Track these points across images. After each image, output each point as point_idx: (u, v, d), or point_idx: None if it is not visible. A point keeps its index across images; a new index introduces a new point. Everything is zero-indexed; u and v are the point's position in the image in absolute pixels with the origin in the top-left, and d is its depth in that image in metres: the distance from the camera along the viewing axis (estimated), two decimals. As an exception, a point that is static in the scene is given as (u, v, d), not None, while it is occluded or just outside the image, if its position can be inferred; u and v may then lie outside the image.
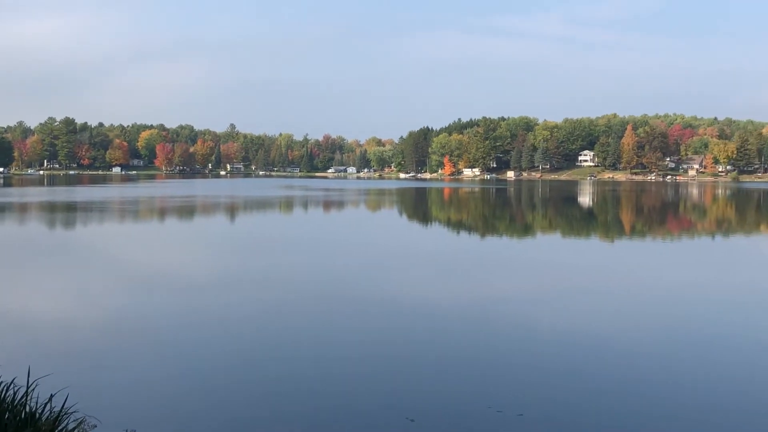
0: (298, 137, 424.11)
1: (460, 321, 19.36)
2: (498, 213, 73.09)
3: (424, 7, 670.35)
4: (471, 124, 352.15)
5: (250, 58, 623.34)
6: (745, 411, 12.54)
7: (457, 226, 55.15)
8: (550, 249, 39.62)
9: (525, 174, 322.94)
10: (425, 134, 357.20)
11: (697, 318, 20.22)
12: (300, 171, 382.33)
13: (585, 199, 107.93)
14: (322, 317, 19.59)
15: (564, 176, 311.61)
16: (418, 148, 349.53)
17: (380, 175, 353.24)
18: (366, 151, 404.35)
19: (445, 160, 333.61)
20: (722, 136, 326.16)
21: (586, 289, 24.80)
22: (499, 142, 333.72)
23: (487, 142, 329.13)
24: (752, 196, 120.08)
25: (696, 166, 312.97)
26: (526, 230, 52.22)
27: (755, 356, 16.11)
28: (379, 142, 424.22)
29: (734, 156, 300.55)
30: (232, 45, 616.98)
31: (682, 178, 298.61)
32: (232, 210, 70.33)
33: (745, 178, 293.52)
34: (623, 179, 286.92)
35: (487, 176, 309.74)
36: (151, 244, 39.45)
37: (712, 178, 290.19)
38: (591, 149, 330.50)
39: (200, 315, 19.51)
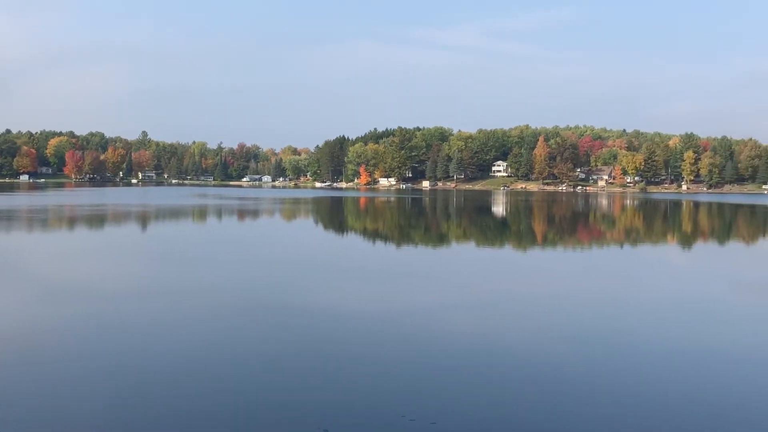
0: (212, 145, 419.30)
1: (372, 328, 19.23)
2: (414, 222, 73.43)
3: (342, 16, 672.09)
4: (387, 133, 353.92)
5: (163, 65, 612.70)
6: (662, 411, 12.73)
7: (374, 235, 55.13)
8: (464, 258, 39.87)
9: (440, 184, 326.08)
10: (341, 143, 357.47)
11: (609, 322, 20.54)
12: (214, 179, 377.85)
13: (499, 209, 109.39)
14: (228, 327, 19.20)
15: (478, 186, 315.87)
16: (334, 157, 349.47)
17: (296, 184, 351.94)
18: (281, 159, 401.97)
19: (361, 169, 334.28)
20: (630, 147, 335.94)
21: (497, 297, 24.99)
22: (415, 152, 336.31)
23: (403, 152, 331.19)
24: (659, 207, 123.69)
25: (605, 177, 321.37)
26: (442, 240, 52.54)
27: (665, 357, 16.42)
28: (295, 151, 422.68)
29: (642, 167, 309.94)
30: (145, 51, 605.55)
31: (592, 188, 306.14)
32: (143, 219, 68.81)
33: (652, 189, 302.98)
34: (536, 189, 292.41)
35: (403, 186, 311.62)
36: (59, 254, 38.16)
37: (620, 189, 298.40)
38: (504, 160, 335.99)
39: (102, 325, 18.89)
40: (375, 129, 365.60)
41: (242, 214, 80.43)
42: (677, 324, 20.93)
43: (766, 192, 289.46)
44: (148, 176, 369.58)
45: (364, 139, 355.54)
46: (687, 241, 53.19)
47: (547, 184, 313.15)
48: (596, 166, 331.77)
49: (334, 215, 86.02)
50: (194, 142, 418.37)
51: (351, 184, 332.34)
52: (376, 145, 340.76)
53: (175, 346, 17.26)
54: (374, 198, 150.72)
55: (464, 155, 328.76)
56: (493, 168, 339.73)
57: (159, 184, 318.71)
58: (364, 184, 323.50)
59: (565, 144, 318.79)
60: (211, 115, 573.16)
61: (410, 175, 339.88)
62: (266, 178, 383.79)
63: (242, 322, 19.99)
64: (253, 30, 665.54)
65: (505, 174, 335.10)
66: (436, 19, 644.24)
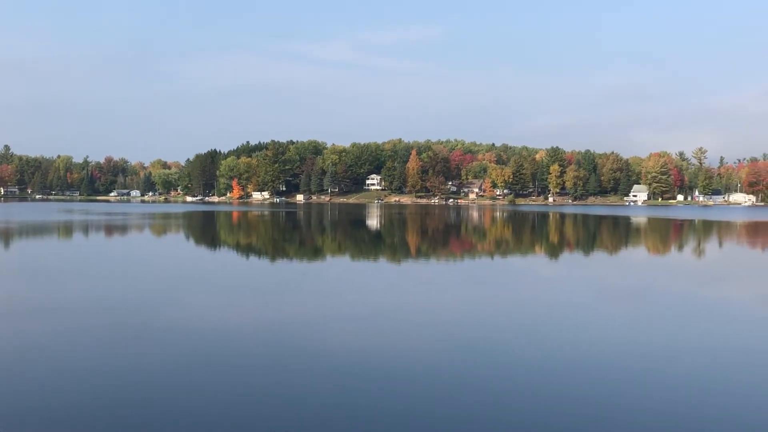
0: (78, 159, 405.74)
1: (246, 342, 18.79)
2: (288, 236, 72.83)
3: (214, 29, 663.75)
4: (260, 147, 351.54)
5: (24, 78, 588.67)
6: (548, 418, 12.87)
7: (247, 250, 54.25)
8: (339, 271, 39.70)
9: (314, 197, 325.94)
10: (213, 157, 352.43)
11: (482, 331, 20.74)
12: (80, 194, 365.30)
13: (373, 221, 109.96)
14: (92, 345, 18.37)
15: (352, 199, 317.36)
16: (206, 170, 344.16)
17: (166, 199, 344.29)
18: (151, 173, 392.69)
19: (234, 183, 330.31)
20: (500, 161, 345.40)
21: (373, 309, 24.90)
22: (289, 166, 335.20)
23: (277, 165, 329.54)
24: (527, 219, 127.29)
25: (476, 190, 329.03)
26: (316, 253, 52.23)
27: (545, 362, 16.69)
28: (165, 165, 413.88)
29: (510, 180, 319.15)
30: (6, 63, 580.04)
31: (463, 201, 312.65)
32: (4, 236, 65.52)
33: (520, 201, 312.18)
34: (409, 202, 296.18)
35: (277, 200, 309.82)
36: None
37: (490, 201, 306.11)
38: (378, 173, 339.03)
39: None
40: (248, 142, 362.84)
41: (109, 230, 77.68)
42: (550, 331, 21.35)
43: (627, 203, 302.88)
44: (11, 192, 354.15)
45: (237, 153, 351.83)
46: (554, 252, 54.76)
47: (420, 196, 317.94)
48: (467, 179, 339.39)
49: (206, 230, 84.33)
50: (59, 156, 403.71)
51: (223, 198, 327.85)
52: (249, 159, 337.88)
53: (43, 366, 16.32)
54: (247, 212, 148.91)
55: (338, 169, 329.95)
56: (368, 181, 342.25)
57: (22, 199, 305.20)
58: (237, 198, 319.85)
59: (437, 158, 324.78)
60: (77, 129, 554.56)
61: (284, 188, 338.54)
62: (135, 193, 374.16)
63: (103, 340, 19.13)
64: (123, 42, 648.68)
65: (379, 187, 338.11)
66: (309, 32, 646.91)
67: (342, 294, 29.31)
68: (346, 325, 22.48)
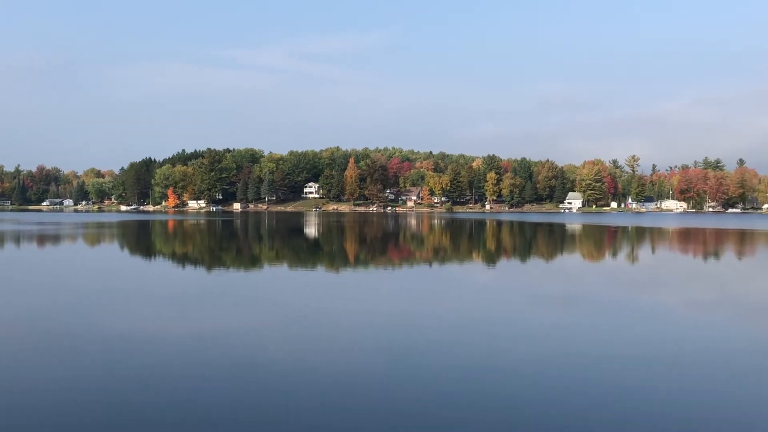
0: (9, 168, 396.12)
1: (183, 352, 18.40)
2: (225, 245, 72.00)
3: (149, 36, 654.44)
4: (196, 155, 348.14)
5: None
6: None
7: (183, 259, 53.41)
8: (277, 279, 39.31)
9: (251, 206, 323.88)
10: (148, 165, 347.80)
11: (419, 336, 20.67)
12: (11, 204, 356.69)
13: (311, 230, 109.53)
14: (20, 356, 17.79)
15: (290, 208, 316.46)
16: (141, 179, 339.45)
17: (99, 208, 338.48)
18: (84, 182, 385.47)
19: (169, 192, 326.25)
20: (437, 169, 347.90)
21: (310, 317, 24.64)
22: (225, 174, 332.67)
23: (213, 173, 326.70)
24: (464, 226, 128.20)
25: (414, 198, 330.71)
26: (254, 262, 51.67)
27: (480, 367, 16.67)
28: (99, 174, 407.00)
29: (448, 188, 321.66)
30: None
31: (401, 209, 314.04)
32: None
33: (458, 208, 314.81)
34: (347, 210, 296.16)
35: (213, 208, 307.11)
36: None
37: (428, 209, 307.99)
38: (316, 181, 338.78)
39: None
40: (183, 150, 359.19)
41: (41, 240, 75.77)
42: (486, 337, 21.37)
43: (563, 211, 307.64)
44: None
45: (172, 161, 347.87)
46: (491, 259, 55.13)
47: (359, 205, 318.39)
48: (405, 187, 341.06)
49: (140, 240, 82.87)
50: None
51: (158, 207, 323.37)
52: (185, 167, 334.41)
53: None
54: (183, 221, 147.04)
55: (276, 177, 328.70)
56: (305, 189, 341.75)
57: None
58: (173, 207, 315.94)
59: (375, 165, 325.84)
60: (8, 137, 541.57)
61: (221, 197, 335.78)
62: (68, 202, 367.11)
63: (37, 350, 18.52)
64: (54, 50, 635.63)
65: (317, 195, 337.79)
66: (247, 39, 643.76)
67: (278, 302, 28.97)
68: (283, 332, 22.18)
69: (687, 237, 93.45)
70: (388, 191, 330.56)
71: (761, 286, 38.56)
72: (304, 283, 37.56)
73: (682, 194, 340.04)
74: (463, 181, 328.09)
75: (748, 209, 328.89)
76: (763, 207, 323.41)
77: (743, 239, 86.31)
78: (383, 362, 18.29)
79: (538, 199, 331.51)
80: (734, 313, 27.51)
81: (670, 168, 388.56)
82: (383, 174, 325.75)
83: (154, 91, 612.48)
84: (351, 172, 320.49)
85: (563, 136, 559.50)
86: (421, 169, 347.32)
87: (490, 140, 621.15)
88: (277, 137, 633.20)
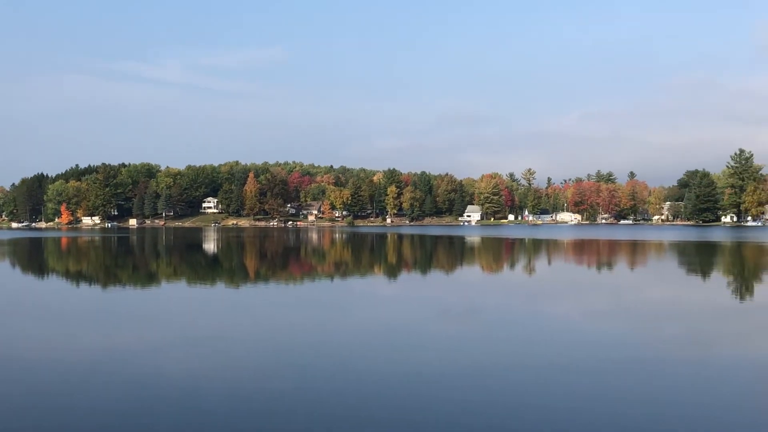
0: None
1: (71, 370, 17.70)
2: (120, 262, 70.04)
3: (43, 48, 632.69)
4: (90, 170, 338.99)
5: None
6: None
7: (77, 277, 51.66)
8: (174, 297, 38.40)
9: (148, 222, 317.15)
10: (40, 181, 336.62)
11: (320, 355, 20.46)
12: None
13: (210, 245, 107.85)
14: None
15: (188, 223, 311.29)
16: (33, 195, 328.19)
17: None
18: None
19: (63, 208, 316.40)
20: (338, 183, 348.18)
21: (209, 334, 24.12)
22: (121, 189, 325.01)
23: (108, 189, 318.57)
24: (366, 240, 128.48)
25: (315, 212, 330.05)
26: (150, 279, 50.40)
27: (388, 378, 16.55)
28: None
29: (349, 202, 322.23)
30: None
31: (302, 223, 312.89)
32: None
33: (359, 222, 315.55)
34: (247, 225, 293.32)
35: (108, 224, 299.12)
36: None
37: (330, 223, 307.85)
38: (215, 196, 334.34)
39: None
40: (77, 165, 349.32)
41: None
42: (387, 350, 21.31)
43: (462, 223, 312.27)
44: None
45: (66, 177, 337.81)
46: (393, 272, 55.30)
47: (259, 219, 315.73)
48: (306, 201, 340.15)
49: (32, 257, 79.89)
50: None
51: (51, 224, 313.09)
52: (79, 183, 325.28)
53: None
54: (77, 238, 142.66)
55: (173, 192, 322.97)
56: (204, 204, 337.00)
57: None
58: (66, 224, 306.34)
59: (276, 180, 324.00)
60: None
61: (116, 213, 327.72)
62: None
63: None
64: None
65: (216, 210, 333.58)
66: (143, 53, 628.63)
67: (175, 320, 28.28)
68: (181, 351, 21.62)
69: (581, 248, 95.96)
70: (289, 206, 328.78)
71: (652, 295, 39.81)
72: (203, 299, 36.82)
73: (577, 206, 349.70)
74: (364, 195, 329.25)
75: (639, 220, 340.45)
76: (653, 218, 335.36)
77: (634, 250, 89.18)
78: (290, 378, 18.00)
79: (438, 212, 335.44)
80: (628, 321, 28.23)
81: (565, 181, 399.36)
82: (284, 188, 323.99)
83: (46, 104, 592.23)
84: (251, 187, 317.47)
85: (462, 150, 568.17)
86: (322, 183, 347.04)
87: (391, 154, 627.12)
88: (175, 152, 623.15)
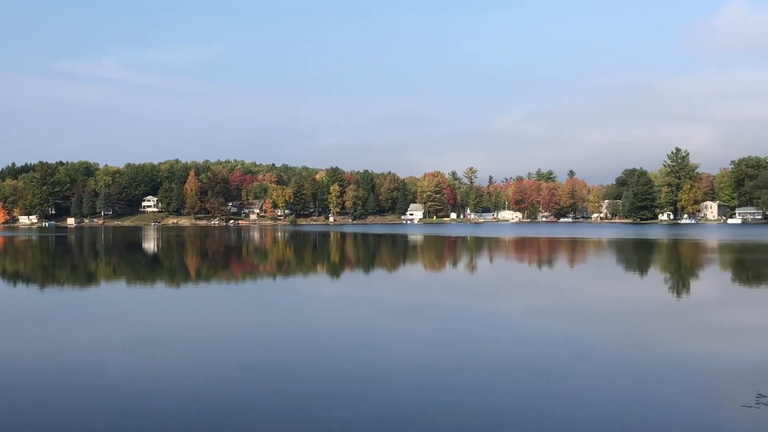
0: None
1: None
2: (58, 262, 68.50)
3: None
4: (27, 168, 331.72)
5: None
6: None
7: (12, 277, 50.33)
8: (113, 297, 37.63)
9: (87, 221, 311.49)
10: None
11: (265, 356, 20.20)
12: None
13: (150, 245, 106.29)
14: None
15: (128, 222, 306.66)
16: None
17: None
18: None
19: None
20: (280, 181, 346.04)
21: (153, 335, 23.66)
22: (58, 188, 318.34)
23: (45, 187, 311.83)
24: (309, 239, 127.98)
25: (257, 211, 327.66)
26: (90, 279, 49.38)
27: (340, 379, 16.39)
28: None
29: (292, 200, 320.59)
30: None
31: (244, 222, 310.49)
32: None
33: (302, 221, 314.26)
34: (188, 224, 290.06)
35: (46, 224, 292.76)
36: None
37: (272, 222, 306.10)
38: (155, 195, 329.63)
39: None
40: (13, 164, 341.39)
41: None
42: (334, 349, 21.14)
43: (405, 222, 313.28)
44: None
45: (2, 175, 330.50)
46: (336, 271, 55.11)
47: (200, 218, 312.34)
48: (248, 199, 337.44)
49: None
50: None
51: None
52: (15, 181, 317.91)
53: None
54: (13, 237, 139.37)
55: (112, 190, 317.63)
56: (144, 203, 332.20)
57: None
58: (2, 223, 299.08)
59: (217, 178, 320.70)
60: None
61: (54, 212, 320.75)
62: None
63: None
64: None
65: (156, 209, 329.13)
66: (82, 50, 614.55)
67: (114, 320, 27.69)
68: (119, 351, 21.13)
69: (523, 246, 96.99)
70: (231, 204, 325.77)
71: (592, 292, 40.37)
72: (143, 300, 36.17)
73: (518, 205, 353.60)
74: (307, 193, 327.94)
75: (578, 218, 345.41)
76: (592, 216, 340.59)
77: (574, 248, 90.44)
78: (233, 379, 17.71)
79: (381, 211, 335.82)
80: (570, 319, 28.49)
81: (506, 180, 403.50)
82: (225, 187, 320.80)
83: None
84: (191, 185, 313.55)
85: (405, 149, 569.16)
86: (264, 182, 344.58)
87: (334, 153, 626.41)
88: (115, 150, 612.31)
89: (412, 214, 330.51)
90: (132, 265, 63.93)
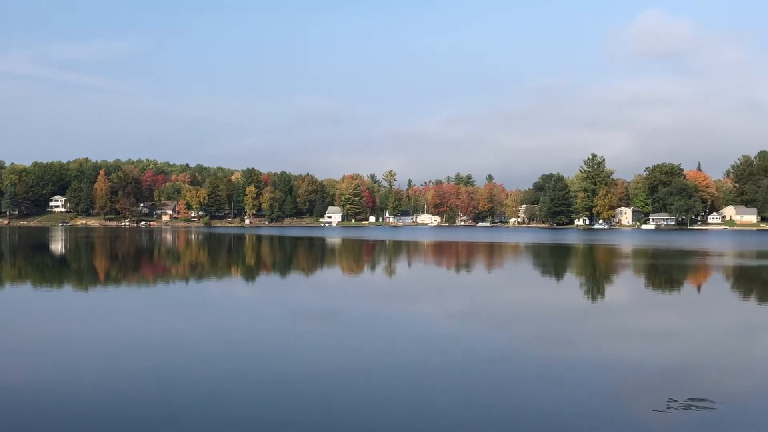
0: None
1: None
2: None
3: None
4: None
5: None
6: None
7: None
8: (17, 300, 36.10)
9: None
10: None
11: (173, 361, 19.53)
12: None
13: (57, 246, 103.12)
14: None
15: (34, 223, 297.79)
16: None
17: None
18: None
19: None
20: (194, 182, 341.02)
21: (58, 343, 22.65)
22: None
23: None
24: (223, 241, 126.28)
25: (170, 212, 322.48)
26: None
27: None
28: None
29: (206, 201, 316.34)
30: None
31: (156, 223, 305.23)
32: None
33: (216, 223, 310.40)
34: (97, 225, 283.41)
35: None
36: None
37: (185, 224, 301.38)
38: (63, 194, 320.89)
39: None
40: None
41: None
42: (246, 354, 20.58)
43: (323, 225, 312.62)
44: None
45: None
46: (251, 274, 54.30)
47: (110, 219, 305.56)
48: (160, 200, 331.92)
49: None
50: None
51: None
52: None
53: None
54: None
55: (18, 190, 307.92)
56: (51, 203, 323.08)
57: None
58: None
59: (128, 178, 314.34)
60: None
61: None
62: None
63: None
64: None
65: (64, 209, 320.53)
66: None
67: (18, 323, 26.47)
68: (21, 356, 20.11)
69: (441, 250, 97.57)
70: (142, 205, 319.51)
71: (508, 296, 40.68)
72: (49, 302, 34.78)
73: (437, 208, 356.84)
74: (222, 194, 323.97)
75: (496, 223, 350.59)
76: (510, 221, 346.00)
77: (491, 252, 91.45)
78: (142, 384, 16.99)
79: (299, 213, 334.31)
80: (486, 322, 28.51)
81: (425, 183, 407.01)
82: (136, 187, 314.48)
83: None
84: (101, 185, 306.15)
85: (323, 151, 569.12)
86: (178, 182, 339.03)
87: (251, 154, 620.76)
88: (21, 148, 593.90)
89: (330, 217, 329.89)
90: (37, 267, 61.70)
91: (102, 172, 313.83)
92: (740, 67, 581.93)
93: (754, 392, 16.99)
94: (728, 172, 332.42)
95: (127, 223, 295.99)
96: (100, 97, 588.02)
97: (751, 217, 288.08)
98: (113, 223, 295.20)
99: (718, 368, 19.70)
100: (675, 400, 15.77)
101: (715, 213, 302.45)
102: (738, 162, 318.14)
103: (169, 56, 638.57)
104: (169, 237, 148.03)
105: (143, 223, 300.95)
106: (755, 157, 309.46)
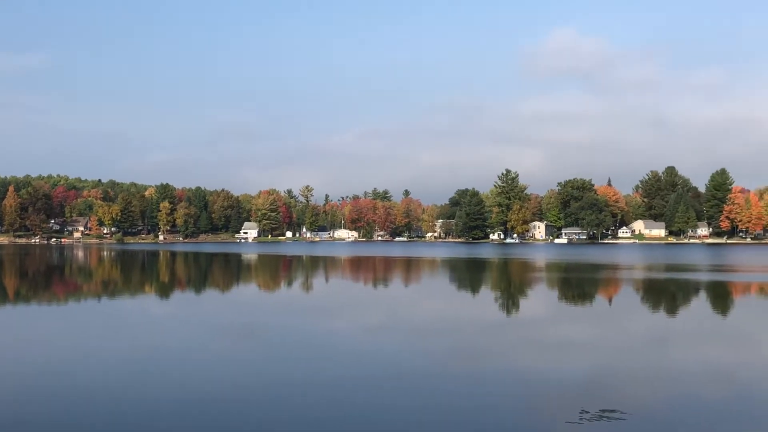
0: None
1: None
2: None
3: None
4: None
5: None
6: None
7: None
8: None
9: None
10: None
11: (87, 381, 18.97)
12: None
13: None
14: None
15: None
16: None
17: None
18: None
19: None
20: (107, 198, 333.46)
21: None
22: None
23: None
24: (137, 258, 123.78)
25: (81, 228, 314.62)
26: None
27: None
28: None
29: (119, 218, 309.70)
30: None
31: (67, 240, 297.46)
32: None
33: (129, 239, 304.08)
34: (6, 242, 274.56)
35: None
36: None
37: (97, 240, 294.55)
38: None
39: None
40: None
41: None
42: (163, 372, 20.13)
43: (239, 240, 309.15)
44: None
45: None
46: (165, 291, 53.31)
47: (20, 236, 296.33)
48: (72, 217, 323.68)
49: None
50: None
51: None
52: None
53: None
54: None
55: None
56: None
57: None
58: None
59: (38, 194, 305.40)
60: None
61: None
62: None
63: None
64: None
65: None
66: None
67: None
68: None
69: (358, 265, 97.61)
70: (53, 221, 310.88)
71: (424, 310, 40.85)
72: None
73: (354, 223, 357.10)
74: (135, 210, 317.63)
75: (413, 237, 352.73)
76: (426, 236, 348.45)
77: (408, 267, 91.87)
78: (48, 406, 16.43)
79: (214, 229, 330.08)
80: (403, 336, 28.55)
81: (342, 198, 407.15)
82: (47, 203, 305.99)
83: None
84: (10, 201, 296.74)
85: (238, 166, 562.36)
86: (90, 198, 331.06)
87: (164, 169, 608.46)
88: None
89: (246, 233, 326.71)
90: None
91: (11, 187, 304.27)
92: (648, 85, 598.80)
93: (664, 402, 17.38)
94: (637, 187, 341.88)
95: (38, 240, 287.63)
96: (9, 111, 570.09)
97: (659, 231, 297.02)
98: (23, 240, 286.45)
99: (629, 379, 20.10)
100: (587, 412, 16.02)
101: (625, 227, 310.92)
102: (646, 177, 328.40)
103: (79, 70, 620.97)
104: (80, 254, 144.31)
105: (54, 240, 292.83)
106: (663, 173, 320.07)
